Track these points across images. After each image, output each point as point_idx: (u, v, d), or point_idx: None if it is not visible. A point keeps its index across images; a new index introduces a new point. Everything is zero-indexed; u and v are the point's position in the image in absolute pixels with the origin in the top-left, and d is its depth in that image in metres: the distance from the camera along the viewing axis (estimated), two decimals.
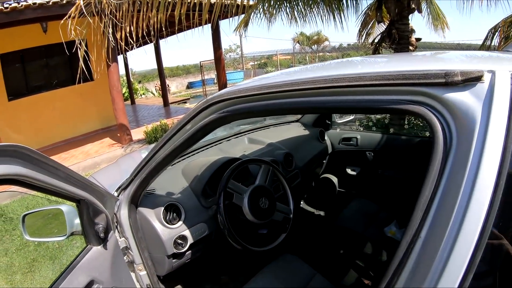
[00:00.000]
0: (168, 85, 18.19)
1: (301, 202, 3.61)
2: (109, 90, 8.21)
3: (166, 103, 13.65)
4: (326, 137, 3.28)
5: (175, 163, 2.24)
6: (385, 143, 3.05)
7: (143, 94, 19.82)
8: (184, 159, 2.36)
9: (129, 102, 15.21)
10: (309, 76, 0.98)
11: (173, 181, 2.10)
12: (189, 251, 1.89)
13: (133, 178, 1.64)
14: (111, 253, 1.61)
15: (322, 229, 3.13)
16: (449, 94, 0.71)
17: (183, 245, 1.82)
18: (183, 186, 2.08)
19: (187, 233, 1.84)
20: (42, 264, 3.71)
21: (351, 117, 3.49)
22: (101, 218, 1.55)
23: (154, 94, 19.91)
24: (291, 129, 3.18)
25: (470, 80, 0.68)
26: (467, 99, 0.69)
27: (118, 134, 8.79)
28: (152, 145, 1.72)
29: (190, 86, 22.84)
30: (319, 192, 3.57)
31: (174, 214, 1.83)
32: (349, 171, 3.33)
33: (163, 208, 1.77)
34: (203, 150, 2.56)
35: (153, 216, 1.77)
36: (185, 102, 16.24)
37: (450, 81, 0.70)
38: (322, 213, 3.51)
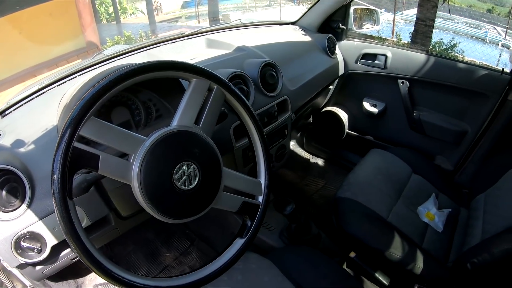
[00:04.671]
0: (160, 3, 17.07)
1: (291, 143, 2.68)
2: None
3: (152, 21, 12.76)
4: (337, 50, 2.15)
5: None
6: (432, 70, 1.98)
7: (133, 13, 18.54)
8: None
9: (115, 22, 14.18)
10: None
11: (43, 118, 1.20)
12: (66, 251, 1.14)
13: None
14: None
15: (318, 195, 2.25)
16: None
17: (35, 249, 1.04)
18: (47, 127, 1.17)
19: (39, 227, 1.04)
20: None
21: (377, 27, 2.31)
22: None
23: (144, 13, 18.64)
24: (283, 34, 2.07)
25: None
26: None
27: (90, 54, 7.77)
28: None
29: (185, 5, 21.78)
30: (319, 132, 2.56)
31: (11, 190, 1.00)
32: (367, 106, 2.25)
33: None
34: (121, 58, 1.53)
35: None
36: (176, 21, 14.95)
37: None
38: (320, 161, 2.63)
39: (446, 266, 1.36)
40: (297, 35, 2.07)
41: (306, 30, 2.16)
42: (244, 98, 1.04)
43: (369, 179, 1.64)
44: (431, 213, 1.54)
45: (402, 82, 2.04)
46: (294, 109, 1.65)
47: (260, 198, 1.07)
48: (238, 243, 1.02)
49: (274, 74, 1.51)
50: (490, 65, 6.05)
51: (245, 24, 2.07)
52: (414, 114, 2.06)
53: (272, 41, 1.84)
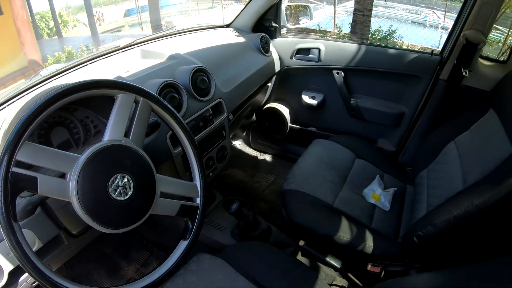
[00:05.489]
0: (101, 14, 16.53)
1: (238, 143, 2.79)
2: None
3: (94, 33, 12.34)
4: (271, 48, 2.20)
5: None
6: (364, 58, 2.08)
7: (75, 26, 17.90)
8: None
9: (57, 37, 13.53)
10: None
11: None
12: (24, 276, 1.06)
13: None
14: None
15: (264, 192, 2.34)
16: None
17: None
18: None
19: None
20: None
21: (311, 21, 2.37)
22: None
23: (85, 25, 18.04)
24: (217, 37, 2.08)
25: None
26: None
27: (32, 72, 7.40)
28: None
29: (127, 14, 20.97)
30: (263, 129, 2.60)
31: None
32: (306, 98, 2.31)
33: None
34: (57, 78, 1.47)
35: None
36: (119, 30, 14.51)
37: None
38: (268, 157, 2.69)
39: (397, 242, 1.42)
40: (231, 37, 2.09)
41: (240, 31, 2.19)
42: (170, 106, 1.08)
43: (312, 169, 1.67)
44: (376, 194, 1.59)
45: (337, 73, 2.11)
46: (230, 110, 1.68)
47: (198, 200, 1.13)
48: (183, 245, 1.09)
49: (206, 79, 1.52)
50: (426, 46, 6.28)
51: (179, 31, 2.07)
52: (352, 101, 2.13)
53: (205, 45, 1.85)
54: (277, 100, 2.47)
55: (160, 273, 1.05)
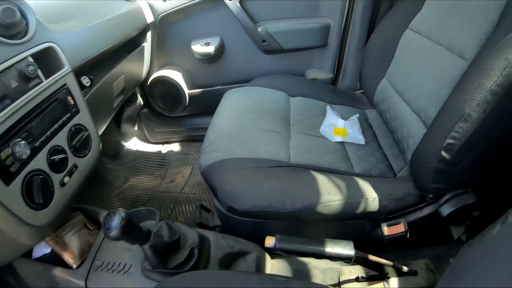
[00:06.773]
0: None
1: (132, 143, 2.09)
2: None
3: None
4: None
5: None
6: None
7: None
8: None
9: None
10: None
11: None
12: None
13: None
14: None
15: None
16: None
17: None
18: None
19: None
20: None
21: None
22: None
23: None
24: None
25: None
26: None
27: None
28: None
29: None
30: (156, 113, 2.00)
31: None
32: (198, 48, 1.72)
33: None
34: None
35: None
36: None
37: None
38: (174, 147, 2.08)
39: (399, 179, 1.03)
40: None
41: None
42: None
43: (237, 123, 1.24)
44: (339, 128, 1.21)
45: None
46: (75, 63, 1.01)
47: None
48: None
49: (13, 8, 0.82)
50: None
51: None
52: (260, 31, 1.64)
53: None
54: (163, 67, 1.85)
55: None
